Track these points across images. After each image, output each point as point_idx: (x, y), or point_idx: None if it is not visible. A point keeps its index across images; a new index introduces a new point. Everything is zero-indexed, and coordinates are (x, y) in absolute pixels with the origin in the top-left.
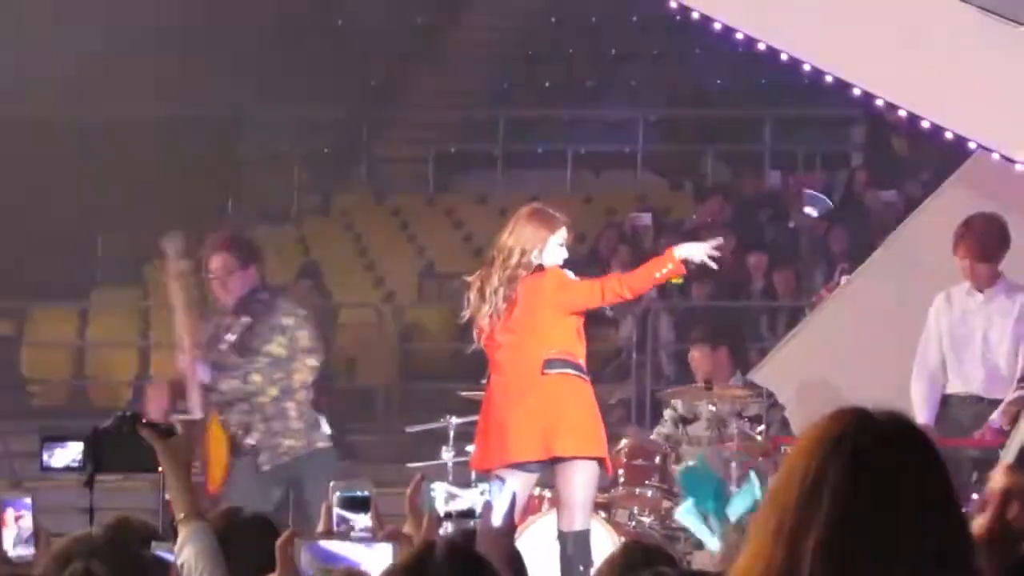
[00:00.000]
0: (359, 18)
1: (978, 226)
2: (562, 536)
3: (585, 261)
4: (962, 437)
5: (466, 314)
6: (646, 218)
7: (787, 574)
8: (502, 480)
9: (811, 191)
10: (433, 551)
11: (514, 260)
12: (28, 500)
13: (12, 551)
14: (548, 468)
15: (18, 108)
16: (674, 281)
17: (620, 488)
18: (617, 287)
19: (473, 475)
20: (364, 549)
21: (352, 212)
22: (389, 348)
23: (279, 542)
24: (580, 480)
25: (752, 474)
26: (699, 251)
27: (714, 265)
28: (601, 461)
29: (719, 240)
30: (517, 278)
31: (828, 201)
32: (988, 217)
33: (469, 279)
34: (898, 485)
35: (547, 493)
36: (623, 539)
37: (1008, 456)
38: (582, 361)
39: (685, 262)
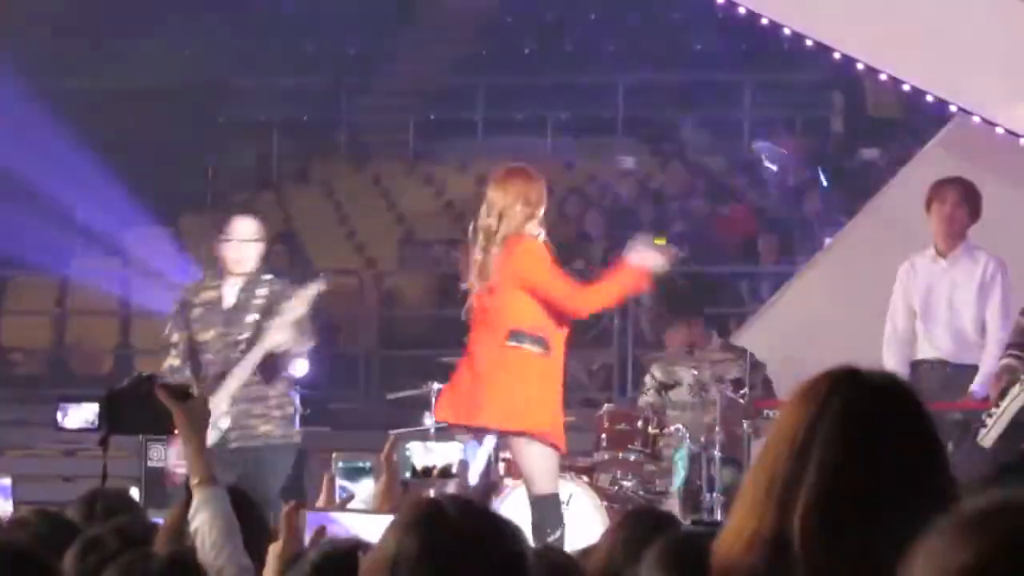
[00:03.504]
0: None
1: (961, 181)
2: (531, 503)
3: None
4: (936, 400)
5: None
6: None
7: (778, 531)
8: (479, 440)
9: (762, 143)
10: (442, 508)
11: (495, 224)
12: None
13: None
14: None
15: None
16: (657, 242)
17: (603, 453)
18: (583, 304)
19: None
20: (367, 520)
21: (332, 179)
22: (370, 315)
23: (285, 511)
24: (529, 451)
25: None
26: (654, 259)
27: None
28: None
29: (674, 250)
30: (499, 242)
31: (779, 149)
32: (964, 178)
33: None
34: (887, 441)
35: None
36: (605, 503)
37: (996, 429)
38: (550, 332)
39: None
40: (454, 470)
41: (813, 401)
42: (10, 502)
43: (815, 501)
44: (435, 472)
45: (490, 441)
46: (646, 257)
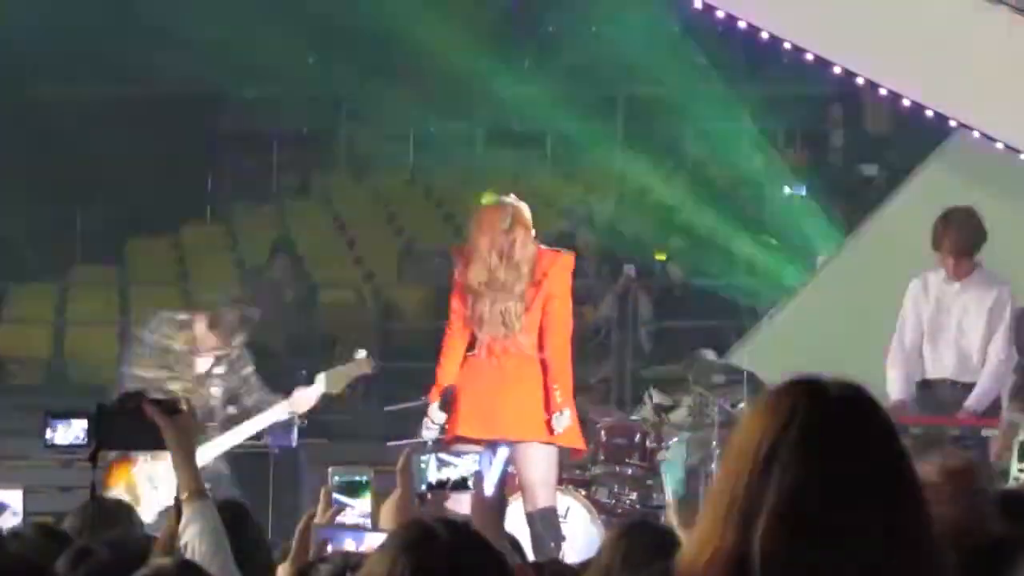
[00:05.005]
0: None
1: (957, 222)
2: (529, 516)
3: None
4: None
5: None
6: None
7: (740, 549)
8: (492, 450)
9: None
10: (434, 532)
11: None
12: None
13: None
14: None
15: None
16: (657, 257)
17: (600, 466)
18: None
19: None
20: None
21: (331, 191)
22: (369, 327)
23: (300, 527)
24: (546, 461)
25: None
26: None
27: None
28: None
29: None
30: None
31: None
32: (966, 212)
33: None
34: (849, 459)
35: None
36: (603, 517)
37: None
38: None
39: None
40: (470, 482)
41: (775, 415)
42: (19, 517)
43: (777, 520)
44: (449, 484)
45: (503, 451)
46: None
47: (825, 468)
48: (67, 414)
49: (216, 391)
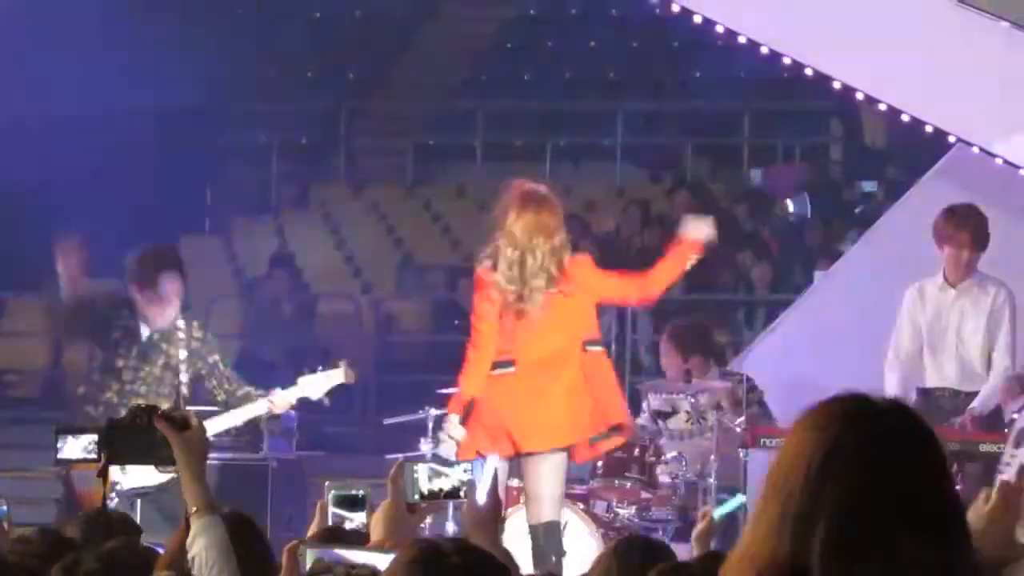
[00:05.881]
0: (337, 9)
1: (974, 217)
2: (532, 529)
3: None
4: (943, 427)
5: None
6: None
7: (794, 562)
8: (483, 458)
9: (793, 195)
10: (440, 549)
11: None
12: None
13: None
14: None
15: None
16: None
17: (599, 479)
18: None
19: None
20: (371, 556)
21: (330, 203)
22: (367, 339)
23: (288, 547)
24: (559, 473)
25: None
26: (705, 231)
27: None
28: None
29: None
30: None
31: (808, 204)
32: (976, 208)
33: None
34: (903, 472)
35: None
36: (601, 531)
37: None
38: None
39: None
40: (462, 492)
41: (826, 431)
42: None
43: (834, 533)
44: (442, 495)
45: (494, 459)
46: (698, 229)
47: (879, 482)
48: (78, 428)
49: (183, 377)
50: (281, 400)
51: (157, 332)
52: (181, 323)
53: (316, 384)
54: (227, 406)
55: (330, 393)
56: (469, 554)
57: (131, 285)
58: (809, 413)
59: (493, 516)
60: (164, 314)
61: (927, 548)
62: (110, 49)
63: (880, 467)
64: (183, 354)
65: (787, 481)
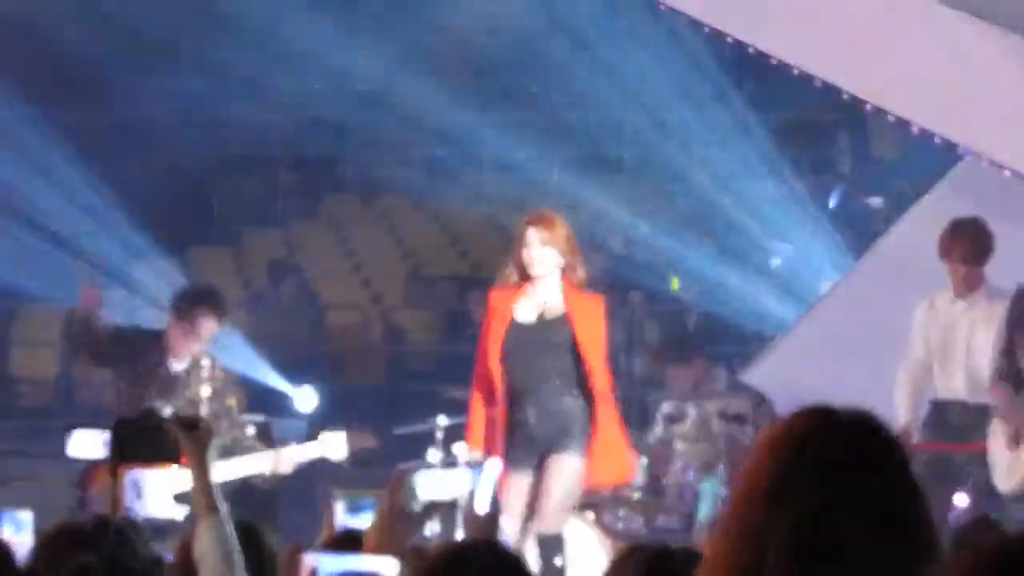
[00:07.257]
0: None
1: (971, 231)
2: (539, 539)
3: None
4: (954, 441)
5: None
6: None
7: (753, 574)
8: (480, 466)
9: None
10: (469, 551)
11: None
12: None
13: None
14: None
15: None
16: (675, 289)
17: (606, 490)
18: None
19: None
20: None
21: (339, 214)
22: (376, 350)
23: (287, 553)
24: (574, 484)
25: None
26: None
27: None
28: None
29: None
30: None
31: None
32: (976, 221)
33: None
34: (863, 489)
35: None
36: (609, 541)
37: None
38: None
39: None
40: (462, 501)
41: (788, 442)
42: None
43: (792, 551)
44: (443, 502)
45: (491, 466)
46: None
47: (839, 498)
48: (88, 427)
49: (203, 411)
50: (288, 459)
51: (183, 369)
52: (206, 361)
53: (339, 444)
54: (231, 453)
55: (353, 454)
56: (496, 555)
57: (170, 315)
58: (772, 429)
59: (493, 524)
60: (190, 349)
61: (888, 560)
62: (120, 59)
63: (840, 487)
64: (206, 391)
65: (749, 493)
